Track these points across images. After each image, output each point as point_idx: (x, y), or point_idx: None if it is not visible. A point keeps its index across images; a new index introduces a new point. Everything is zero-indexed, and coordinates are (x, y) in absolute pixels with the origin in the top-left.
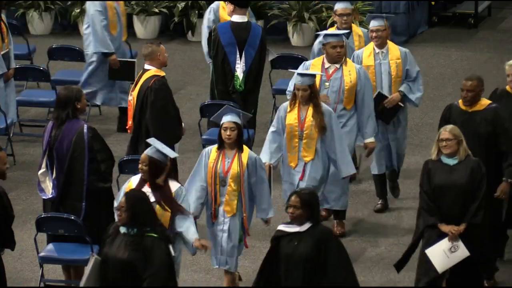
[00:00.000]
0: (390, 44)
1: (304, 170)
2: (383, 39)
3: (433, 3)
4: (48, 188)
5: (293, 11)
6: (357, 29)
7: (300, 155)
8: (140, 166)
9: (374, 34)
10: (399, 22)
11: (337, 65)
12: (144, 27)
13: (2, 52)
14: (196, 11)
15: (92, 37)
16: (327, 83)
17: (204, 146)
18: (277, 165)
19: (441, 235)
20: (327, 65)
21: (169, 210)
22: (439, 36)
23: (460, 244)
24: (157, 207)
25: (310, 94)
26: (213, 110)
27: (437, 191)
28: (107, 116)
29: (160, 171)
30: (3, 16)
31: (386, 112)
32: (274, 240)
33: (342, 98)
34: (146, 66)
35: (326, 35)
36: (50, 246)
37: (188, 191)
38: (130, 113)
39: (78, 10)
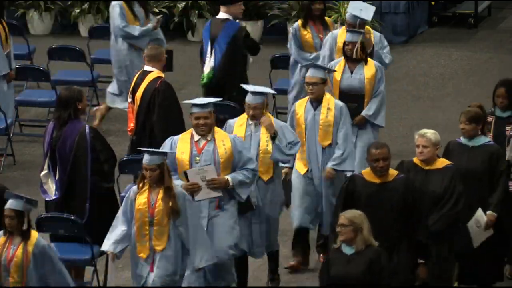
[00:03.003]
0: (267, 115)
1: (153, 261)
2: (258, 113)
3: (433, 3)
4: (51, 190)
5: (293, 11)
6: (330, 101)
7: (152, 244)
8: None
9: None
10: (399, 22)
11: (208, 137)
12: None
13: (5, 52)
14: (196, 11)
15: None
16: (198, 157)
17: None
18: (121, 254)
19: None
20: (196, 137)
21: None
22: (439, 36)
23: None
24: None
25: (159, 175)
26: None
27: (334, 284)
28: (107, 116)
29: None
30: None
31: None
32: None
33: (218, 173)
34: (147, 68)
35: (192, 105)
36: None
37: None
38: (131, 115)
39: (78, 10)
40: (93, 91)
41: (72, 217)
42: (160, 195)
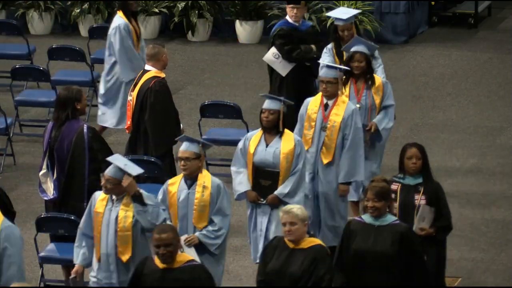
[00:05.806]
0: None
1: None
2: (116, 190)
3: (433, 3)
4: (50, 189)
5: None
6: (206, 178)
7: None
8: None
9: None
10: (399, 22)
11: None
12: (144, 27)
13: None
14: (196, 11)
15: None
16: None
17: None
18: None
19: None
20: None
21: None
22: (439, 36)
23: None
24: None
25: None
26: (213, 110)
27: None
28: None
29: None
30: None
31: None
32: None
33: None
34: (147, 67)
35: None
36: (50, 246)
37: None
38: (129, 113)
39: (78, 10)
40: (93, 91)
41: (72, 217)
42: None
